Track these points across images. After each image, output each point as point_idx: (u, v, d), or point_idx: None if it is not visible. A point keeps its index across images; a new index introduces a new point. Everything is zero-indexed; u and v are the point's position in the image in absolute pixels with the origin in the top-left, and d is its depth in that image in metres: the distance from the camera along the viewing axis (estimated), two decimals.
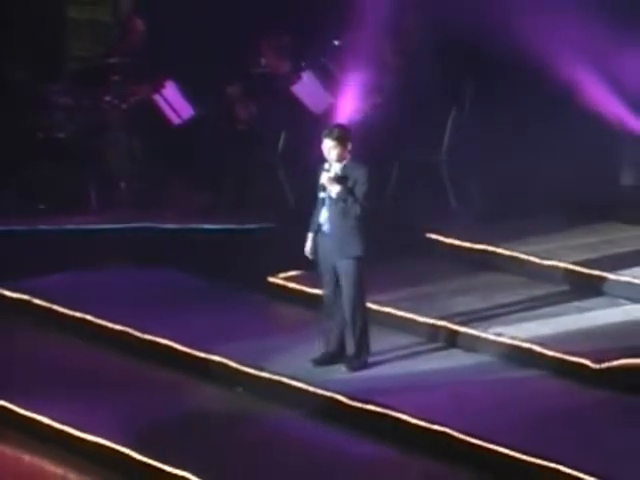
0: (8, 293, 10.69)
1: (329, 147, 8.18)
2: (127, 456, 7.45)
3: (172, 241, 11.57)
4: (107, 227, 11.86)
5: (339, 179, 8.17)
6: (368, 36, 11.54)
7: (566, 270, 10.27)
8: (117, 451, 7.50)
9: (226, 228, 11.90)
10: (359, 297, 8.43)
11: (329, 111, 11.52)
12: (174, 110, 12.15)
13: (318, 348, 8.70)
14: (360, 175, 8.18)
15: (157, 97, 12.14)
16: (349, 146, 8.29)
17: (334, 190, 8.13)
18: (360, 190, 8.16)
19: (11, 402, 8.35)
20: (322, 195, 8.25)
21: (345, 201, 8.17)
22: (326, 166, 8.21)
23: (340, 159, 8.22)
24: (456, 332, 9.25)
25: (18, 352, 9.56)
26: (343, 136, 8.25)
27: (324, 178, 8.20)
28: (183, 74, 12.33)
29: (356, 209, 8.16)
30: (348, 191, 8.16)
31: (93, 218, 12.06)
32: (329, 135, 8.20)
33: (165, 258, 11.25)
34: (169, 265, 11.16)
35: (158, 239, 11.60)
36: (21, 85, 12.65)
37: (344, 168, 8.23)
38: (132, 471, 7.38)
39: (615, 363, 8.38)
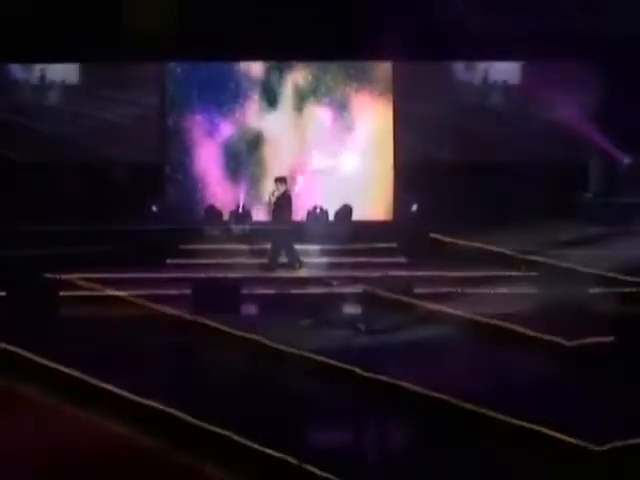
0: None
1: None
2: (178, 418, 7.70)
3: None
4: None
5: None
6: None
7: (540, 262, 10.63)
8: (170, 414, 7.67)
9: None
10: None
11: None
12: None
13: None
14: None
15: None
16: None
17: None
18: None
19: (83, 374, 8.59)
20: None
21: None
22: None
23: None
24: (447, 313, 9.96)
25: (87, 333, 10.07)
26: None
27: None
28: None
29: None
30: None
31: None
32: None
33: None
34: None
35: None
36: None
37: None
38: (182, 431, 7.56)
39: (585, 341, 8.56)
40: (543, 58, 14.87)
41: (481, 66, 15.86)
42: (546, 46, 14.17)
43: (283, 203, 13.39)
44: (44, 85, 15.60)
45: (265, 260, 13.45)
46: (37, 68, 15.45)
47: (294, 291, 11.87)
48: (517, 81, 15.88)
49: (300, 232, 13.91)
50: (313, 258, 13.81)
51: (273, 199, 13.38)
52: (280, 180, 13.60)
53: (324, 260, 13.72)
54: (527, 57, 15.29)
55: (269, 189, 13.96)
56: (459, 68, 15.92)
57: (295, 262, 13.31)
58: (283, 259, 13.37)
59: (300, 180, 15.75)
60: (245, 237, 14.44)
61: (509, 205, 14.62)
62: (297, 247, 13.71)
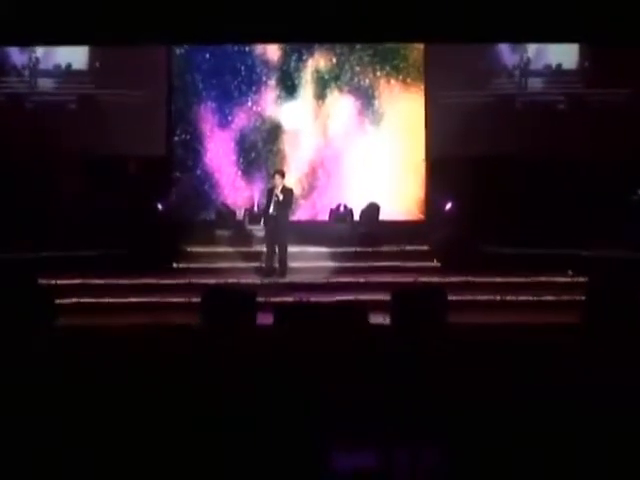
0: None
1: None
2: None
3: None
4: None
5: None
6: None
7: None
8: None
9: None
10: None
11: None
12: None
13: None
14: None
15: None
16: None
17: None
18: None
19: None
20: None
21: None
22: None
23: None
24: None
25: None
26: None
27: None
28: None
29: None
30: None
31: None
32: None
33: None
34: None
35: None
36: None
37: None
38: None
39: None
40: (597, 41, 13.49)
41: (526, 49, 14.29)
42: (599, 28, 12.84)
43: (282, 198, 12.07)
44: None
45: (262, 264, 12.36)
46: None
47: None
48: (567, 66, 14.31)
49: (299, 232, 12.78)
50: (337, 262, 12.73)
51: (280, 195, 12.04)
52: (279, 173, 12.39)
53: (349, 264, 12.63)
54: (578, 39, 13.81)
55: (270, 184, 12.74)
56: (501, 51, 14.33)
57: (283, 267, 12.07)
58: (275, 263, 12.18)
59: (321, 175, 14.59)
60: (261, 239, 13.12)
61: (554, 203, 13.32)
62: (321, 250, 12.83)
